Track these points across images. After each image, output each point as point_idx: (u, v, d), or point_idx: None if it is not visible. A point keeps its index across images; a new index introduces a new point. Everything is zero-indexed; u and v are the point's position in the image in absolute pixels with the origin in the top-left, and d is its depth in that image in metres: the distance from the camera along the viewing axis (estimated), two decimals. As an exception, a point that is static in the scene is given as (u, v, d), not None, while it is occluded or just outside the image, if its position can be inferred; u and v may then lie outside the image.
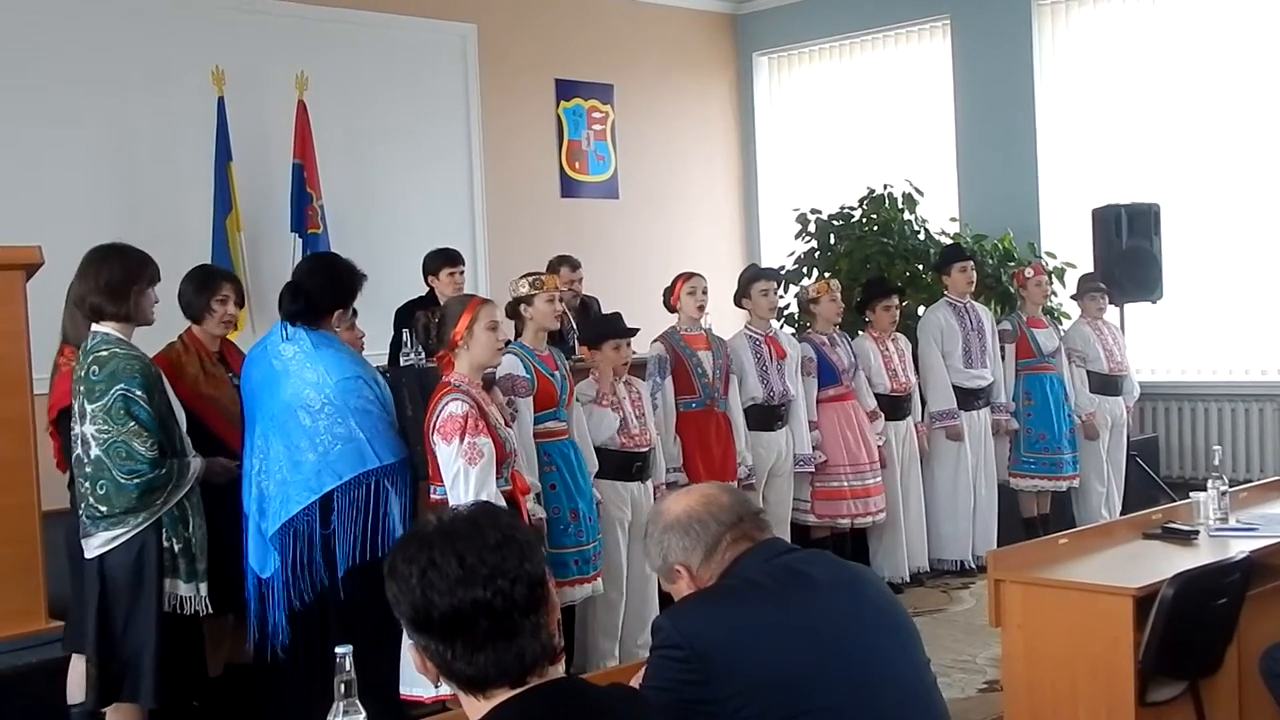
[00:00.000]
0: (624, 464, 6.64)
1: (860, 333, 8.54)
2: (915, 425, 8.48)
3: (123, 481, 4.79)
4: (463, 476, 5.00)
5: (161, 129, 9.00)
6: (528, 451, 5.99)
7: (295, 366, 5.19)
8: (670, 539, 3.02)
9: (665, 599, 3.71)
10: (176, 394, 5.37)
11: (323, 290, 5.35)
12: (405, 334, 6.63)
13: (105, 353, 4.84)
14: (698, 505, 3.03)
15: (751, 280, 7.86)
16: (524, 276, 6.29)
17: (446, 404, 5.09)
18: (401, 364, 6.49)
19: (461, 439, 5.01)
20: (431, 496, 5.25)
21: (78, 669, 5.17)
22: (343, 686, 2.65)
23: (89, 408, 4.80)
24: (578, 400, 6.48)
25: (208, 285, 5.91)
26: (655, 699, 2.74)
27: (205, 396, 5.73)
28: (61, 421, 5.32)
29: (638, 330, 6.85)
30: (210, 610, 5.05)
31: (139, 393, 4.79)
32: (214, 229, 8.84)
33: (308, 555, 5.13)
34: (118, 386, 4.77)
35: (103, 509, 4.83)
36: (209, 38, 9.19)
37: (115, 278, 4.96)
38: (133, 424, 4.78)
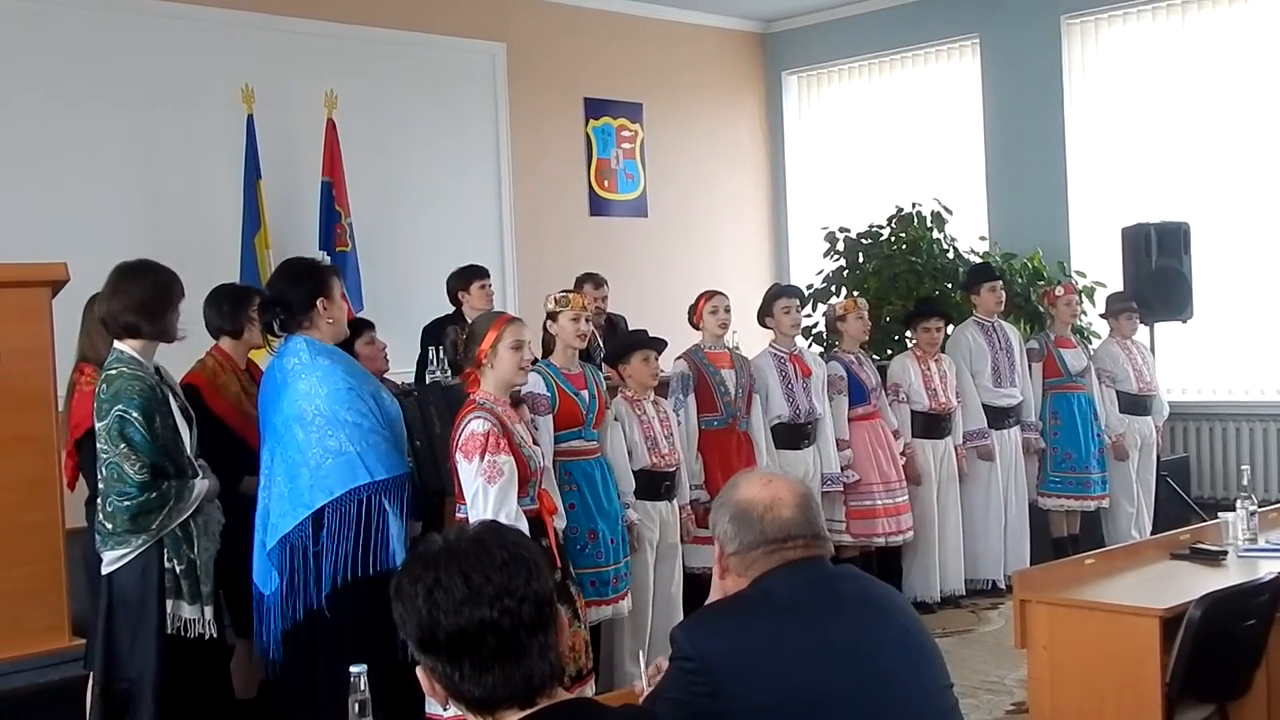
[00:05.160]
0: (653, 484, 6.64)
1: (904, 349, 8.54)
2: (955, 447, 8.45)
3: (116, 503, 4.79)
4: (481, 494, 4.97)
5: (190, 147, 9.03)
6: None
7: (293, 378, 5.15)
8: (724, 514, 3.00)
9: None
10: (216, 411, 5.38)
11: (291, 291, 5.27)
12: (432, 351, 6.63)
13: (114, 372, 4.84)
14: (759, 504, 2.96)
15: (774, 298, 7.85)
16: (554, 294, 6.30)
17: (469, 422, 5.07)
18: (427, 381, 6.48)
19: (482, 457, 4.98)
20: (457, 515, 5.21)
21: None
22: (356, 706, 2.63)
23: (98, 426, 4.81)
24: (616, 420, 6.47)
25: (244, 299, 5.98)
26: (669, 710, 2.74)
27: (250, 416, 5.72)
28: (85, 443, 5.31)
29: (666, 343, 6.84)
30: (215, 634, 5.00)
31: (135, 414, 4.76)
32: (242, 247, 8.85)
33: (303, 573, 5.09)
34: (117, 407, 4.76)
35: (108, 526, 4.83)
36: (238, 56, 9.22)
37: (150, 295, 4.95)
38: (124, 446, 4.75)
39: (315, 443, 5.08)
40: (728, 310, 7.40)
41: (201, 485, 4.97)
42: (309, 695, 5.01)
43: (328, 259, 8.94)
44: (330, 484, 5.08)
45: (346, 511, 5.08)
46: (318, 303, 5.23)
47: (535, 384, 6.04)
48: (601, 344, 8.12)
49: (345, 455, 5.10)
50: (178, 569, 4.89)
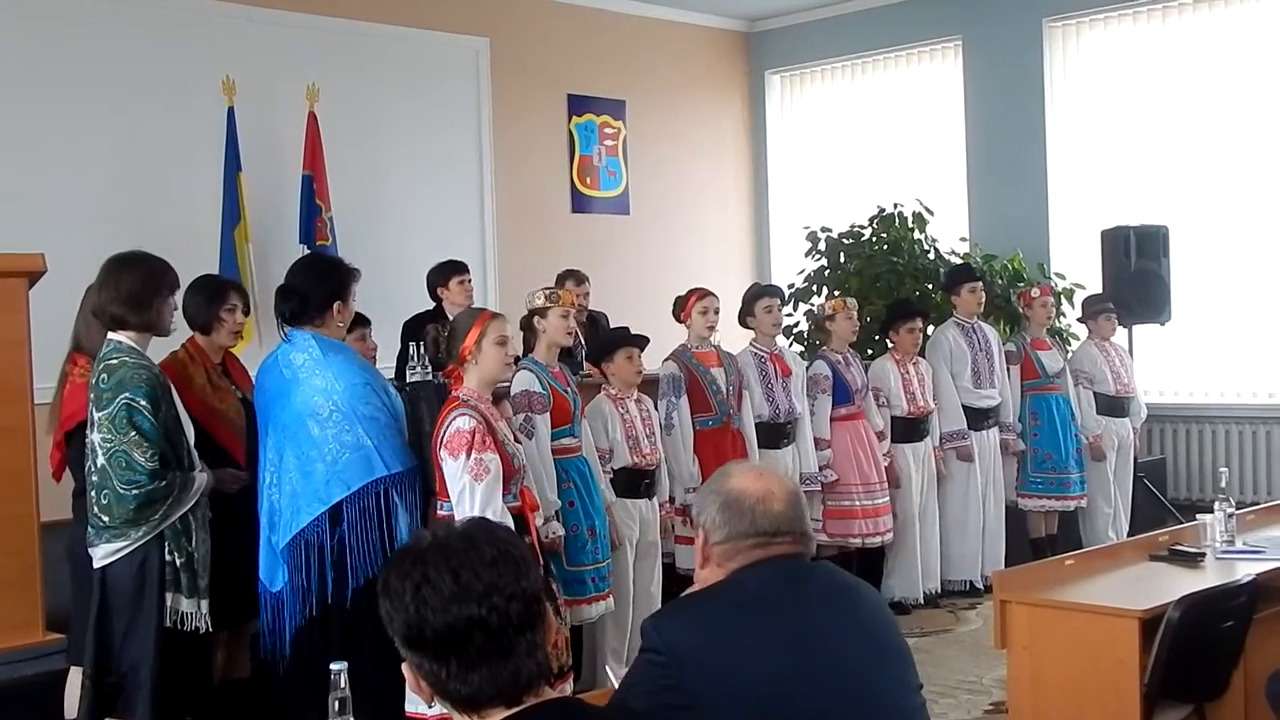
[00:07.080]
0: (633, 482, 6.63)
1: (884, 353, 8.54)
2: (934, 449, 8.46)
3: (121, 492, 4.74)
4: (468, 492, 4.95)
5: (171, 139, 8.97)
6: (547, 469, 5.96)
7: (305, 374, 5.13)
8: (711, 502, 2.99)
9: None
10: (183, 403, 5.34)
11: (312, 285, 5.28)
12: (413, 347, 6.60)
13: (115, 361, 4.81)
14: (751, 495, 2.95)
15: (755, 298, 7.85)
16: (542, 290, 6.29)
17: (454, 419, 5.05)
18: (408, 378, 6.46)
19: (468, 454, 4.96)
20: (438, 512, 5.19)
21: (76, 682, 5.14)
22: (336, 704, 2.62)
23: (97, 415, 4.77)
24: (583, 419, 6.45)
25: (217, 295, 5.90)
26: (639, 702, 2.73)
27: (212, 409, 5.70)
28: (75, 435, 5.26)
29: (649, 340, 6.83)
30: (210, 627, 5.00)
31: (143, 403, 4.75)
32: (222, 240, 8.78)
33: (318, 568, 5.07)
34: (123, 395, 4.74)
35: (104, 519, 4.79)
36: (219, 48, 9.16)
37: (137, 287, 4.92)
38: (134, 434, 4.73)
39: (331, 438, 5.07)
40: (716, 312, 7.39)
41: (201, 479, 4.97)
42: (320, 691, 4.95)
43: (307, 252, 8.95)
44: (348, 478, 5.06)
45: (365, 506, 5.07)
46: (334, 305, 5.26)
47: (529, 382, 6.04)
48: (584, 341, 8.11)
49: (362, 449, 5.09)
50: (178, 562, 4.87)
